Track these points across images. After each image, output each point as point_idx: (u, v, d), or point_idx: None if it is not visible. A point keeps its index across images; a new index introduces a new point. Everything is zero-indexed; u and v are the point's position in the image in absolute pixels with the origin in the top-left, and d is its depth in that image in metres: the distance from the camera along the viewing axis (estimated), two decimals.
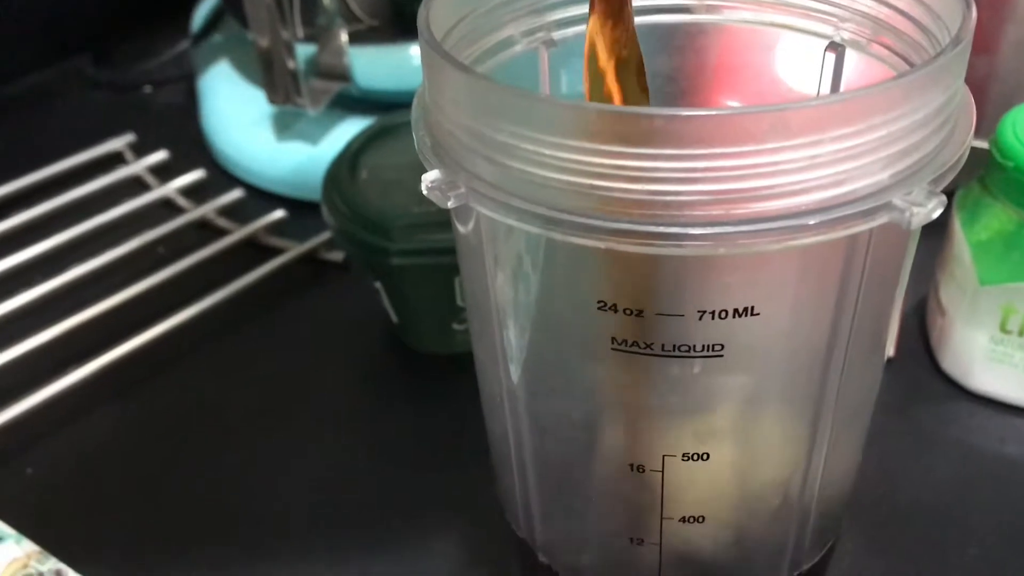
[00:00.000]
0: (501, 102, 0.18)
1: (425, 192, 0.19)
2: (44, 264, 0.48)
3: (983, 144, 0.38)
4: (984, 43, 0.50)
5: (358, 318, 0.45)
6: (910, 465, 0.37)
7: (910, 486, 0.36)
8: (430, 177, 0.19)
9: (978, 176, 0.38)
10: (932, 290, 0.41)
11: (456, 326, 0.41)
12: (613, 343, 0.20)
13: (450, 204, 0.19)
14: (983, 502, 0.35)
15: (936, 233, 0.40)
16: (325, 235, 0.48)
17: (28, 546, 0.34)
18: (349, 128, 0.51)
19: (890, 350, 0.40)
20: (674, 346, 0.19)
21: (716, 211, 0.17)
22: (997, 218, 0.37)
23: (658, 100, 0.25)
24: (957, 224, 0.38)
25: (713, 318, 0.19)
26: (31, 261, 0.48)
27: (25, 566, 0.33)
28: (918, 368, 0.40)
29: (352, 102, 0.52)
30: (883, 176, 0.18)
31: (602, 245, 0.18)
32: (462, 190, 0.19)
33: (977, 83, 0.50)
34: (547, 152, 0.18)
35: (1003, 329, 0.37)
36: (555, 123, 0.18)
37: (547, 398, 0.22)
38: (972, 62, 0.55)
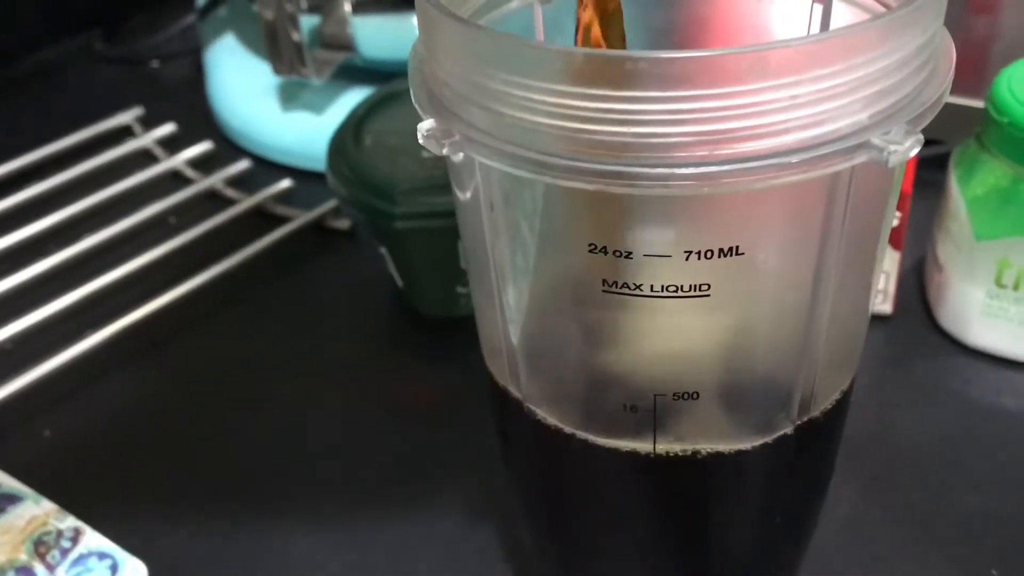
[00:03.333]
0: (491, 49, 0.19)
1: (421, 141, 0.20)
2: (58, 235, 0.49)
3: (980, 103, 0.39)
4: (984, 3, 0.50)
5: (364, 283, 0.46)
6: (908, 417, 0.37)
7: (908, 437, 0.37)
8: (425, 126, 0.20)
9: (975, 133, 0.39)
10: (929, 247, 0.42)
11: (460, 289, 0.42)
12: (604, 285, 0.20)
13: (445, 151, 0.20)
14: (980, 452, 0.36)
15: (933, 191, 0.41)
16: (331, 203, 0.49)
17: (47, 505, 0.35)
18: (353, 97, 0.52)
19: (888, 307, 0.41)
20: (662, 287, 0.20)
21: (700, 152, 0.18)
22: (992, 174, 0.37)
23: None
24: (953, 181, 0.39)
25: (699, 258, 0.20)
26: (45, 232, 0.49)
27: (44, 524, 0.34)
28: (916, 324, 0.41)
29: (356, 72, 0.53)
30: (862, 116, 0.18)
31: (591, 187, 0.19)
32: (456, 138, 0.20)
33: (978, 43, 0.50)
34: (537, 98, 0.18)
35: (998, 284, 0.38)
36: (544, 68, 0.18)
37: (543, 342, 0.23)
38: (972, 22, 0.55)
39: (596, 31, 0.22)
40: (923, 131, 0.19)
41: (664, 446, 0.23)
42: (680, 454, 0.23)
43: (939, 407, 0.38)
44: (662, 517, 0.26)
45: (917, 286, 0.43)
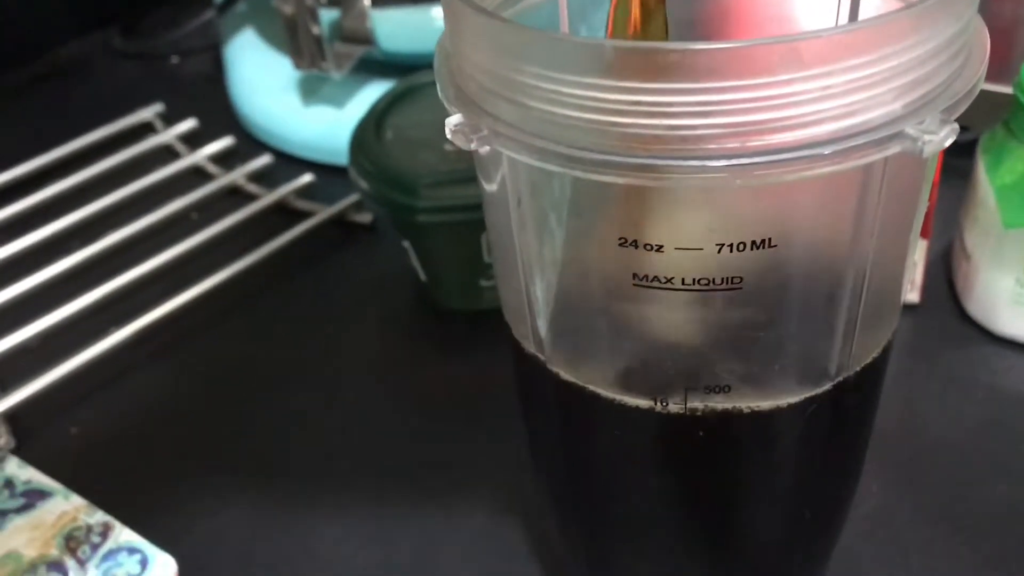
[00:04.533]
0: (519, 43, 0.19)
1: (449, 135, 0.20)
2: (81, 232, 0.49)
3: (1008, 89, 0.38)
4: None
5: (386, 278, 0.46)
6: (936, 407, 0.37)
7: (936, 427, 0.36)
8: (453, 121, 0.20)
9: (1003, 120, 0.38)
10: (957, 235, 0.41)
11: (483, 283, 0.41)
12: (635, 279, 0.20)
13: (473, 146, 0.20)
14: (1009, 443, 0.36)
15: (961, 178, 0.40)
16: (353, 198, 0.49)
17: (76, 500, 0.35)
18: (374, 91, 0.52)
19: (916, 296, 0.41)
20: (694, 280, 0.20)
21: (732, 143, 0.18)
22: (1021, 161, 0.37)
23: None
24: (981, 168, 0.38)
25: (731, 251, 0.19)
26: (68, 229, 0.49)
27: (74, 519, 0.34)
28: (944, 313, 0.41)
29: (376, 65, 0.53)
30: (896, 106, 0.18)
31: (621, 181, 0.19)
32: (484, 132, 0.20)
33: (1004, 29, 0.50)
34: (566, 91, 0.18)
35: None
36: (572, 61, 0.18)
37: (573, 336, 0.23)
38: (998, 9, 0.55)
39: (636, 15, 0.21)
40: None
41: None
42: (713, 412, 0.22)
43: (967, 397, 0.37)
44: (690, 483, 0.25)
45: (945, 275, 0.42)
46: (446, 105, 0.21)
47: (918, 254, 0.40)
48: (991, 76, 0.41)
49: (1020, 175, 0.37)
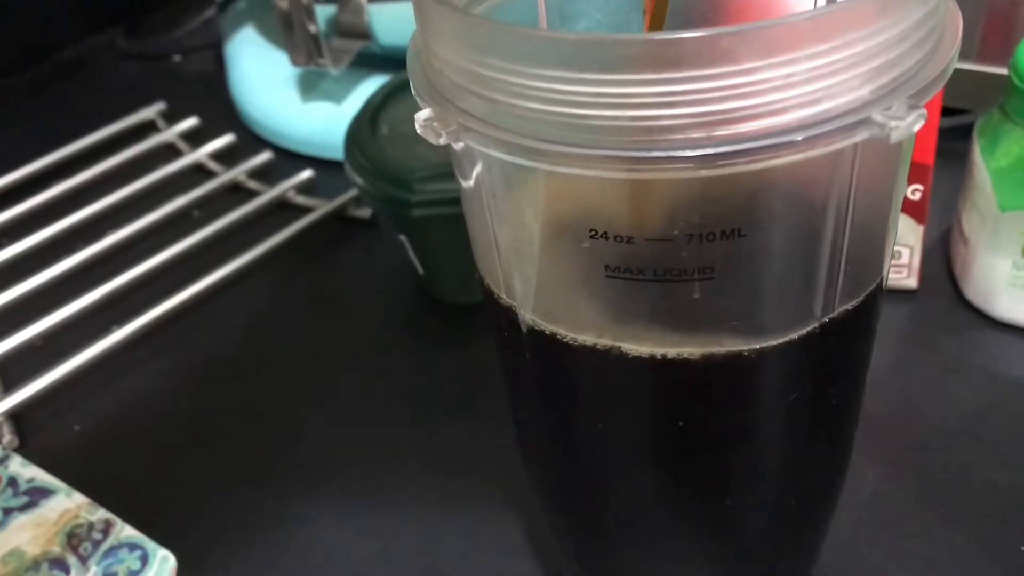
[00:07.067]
0: (485, 37, 0.19)
1: (419, 130, 0.20)
2: (84, 231, 0.49)
3: (1006, 71, 0.38)
4: None
5: (386, 272, 0.46)
6: (934, 393, 0.37)
7: (934, 413, 0.36)
8: (423, 115, 0.20)
9: (999, 103, 0.38)
10: (954, 220, 0.41)
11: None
12: (607, 271, 0.20)
13: (442, 141, 0.20)
14: (1008, 427, 0.35)
15: (959, 161, 0.40)
16: (352, 193, 0.49)
17: (78, 498, 0.36)
18: (372, 86, 0.52)
19: (913, 281, 0.40)
20: (665, 271, 0.20)
21: (697, 134, 0.18)
22: (1017, 143, 0.37)
23: None
24: (977, 151, 0.38)
25: (701, 241, 0.19)
26: (72, 229, 0.49)
27: (76, 517, 0.35)
28: (941, 298, 0.40)
29: (374, 60, 0.53)
30: (863, 92, 0.18)
31: (588, 173, 0.19)
32: (453, 127, 0.20)
33: (1003, 9, 0.49)
34: (531, 84, 0.18)
35: None
36: (536, 54, 0.18)
37: (551, 328, 0.23)
38: None
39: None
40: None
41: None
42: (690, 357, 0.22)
43: (965, 382, 0.37)
44: (672, 437, 0.24)
45: (943, 259, 0.42)
46: (418, 100, 0.21)
47: (915, 239, 0.39)
48: (989, 58, 0.40)
49: (1016, 158, 0.37)
